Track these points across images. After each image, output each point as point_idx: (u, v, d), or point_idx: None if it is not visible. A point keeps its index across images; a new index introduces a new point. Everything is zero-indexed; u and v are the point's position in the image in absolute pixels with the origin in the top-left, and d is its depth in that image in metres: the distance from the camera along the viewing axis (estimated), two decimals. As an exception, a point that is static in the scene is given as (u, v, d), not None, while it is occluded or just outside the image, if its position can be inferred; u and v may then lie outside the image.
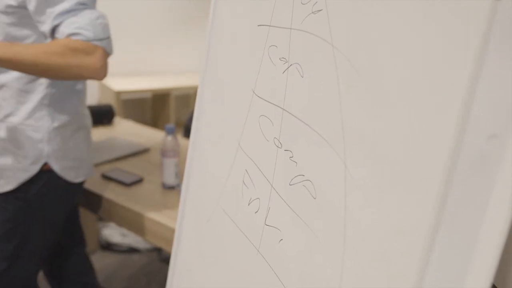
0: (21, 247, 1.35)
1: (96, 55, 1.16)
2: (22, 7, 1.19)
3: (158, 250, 2.58)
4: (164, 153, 1.59)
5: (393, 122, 0.52)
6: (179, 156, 1.60)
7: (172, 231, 1.35)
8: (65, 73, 1.17)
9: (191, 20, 3.75)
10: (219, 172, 0.88)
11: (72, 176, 1.38)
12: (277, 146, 0.71)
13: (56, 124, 1.31)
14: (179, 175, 1.61)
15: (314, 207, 0.63)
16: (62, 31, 1.16)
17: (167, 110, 3.56)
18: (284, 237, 0.69)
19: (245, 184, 0.80)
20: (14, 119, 1.29)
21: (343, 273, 0.58)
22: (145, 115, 3.86)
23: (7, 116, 1.29)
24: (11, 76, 1.26)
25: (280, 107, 0.71)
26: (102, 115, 2.33)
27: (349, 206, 0.57)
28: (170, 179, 1.59)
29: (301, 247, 0.65)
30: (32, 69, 1.15)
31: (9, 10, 1.20)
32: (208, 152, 0.92)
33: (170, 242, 1.08)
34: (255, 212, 0.76)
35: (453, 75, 0.46)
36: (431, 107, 0.48)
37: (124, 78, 3.49)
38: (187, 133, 2.95)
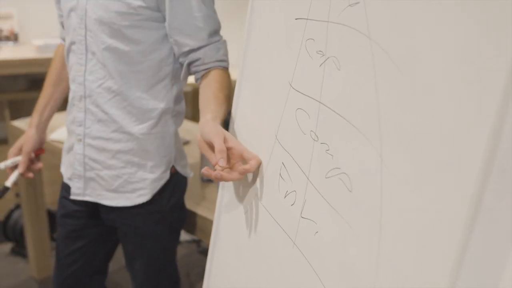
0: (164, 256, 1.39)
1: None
2: (151, 9, 1.15)
3: (197, 242, 2.62)
4: (203, 147, 1.61)
5: (431, 114, 0.51)
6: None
7: (210, 223, 1.37)
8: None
9: (229, 14, 3.77)
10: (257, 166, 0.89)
11: (188, 172, 1.38)
12: (314, 139, 0.72)
13: (177, 124, 1.31)
14: (218, 168, 1.63)
15: (350, 200, 0.63)
16: (210, 56, 1.16)
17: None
18: (320, 229, 0.70)
19: (281, 177, 0.80)
20: (141, 130, 1.25)
21: (379, 265, 0.58)
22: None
23: (132, 127, 1.24)
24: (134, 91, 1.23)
25: (317, 100, 0.71)
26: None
27: (385, 198, 0.57)
28: (209, 172, 1.62)
29: (336, 240, 0.66)
30: None
31: (131, 11, 1.15)
32: (245, 145, 0.93)
33: (208, 234, 1.10)
34: (291, 205, 0.76)
35: (494, 66, 0.45)
36: (471, 99, 0.47)
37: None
38: (225, 126, 2.98)
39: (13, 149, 1.42)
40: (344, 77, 0.65)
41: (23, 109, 3.08)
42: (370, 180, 0.59)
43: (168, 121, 1.27)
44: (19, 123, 2.20)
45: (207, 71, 1.17)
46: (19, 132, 2.16)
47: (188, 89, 3.82)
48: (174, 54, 1.21)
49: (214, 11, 1.18)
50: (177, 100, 1.27)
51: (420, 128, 0.53)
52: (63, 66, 1.40)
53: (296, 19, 0.78)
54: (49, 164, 2.39)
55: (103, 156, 1.26)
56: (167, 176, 1.30)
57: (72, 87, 1.26)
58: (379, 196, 0.57)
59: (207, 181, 1.64)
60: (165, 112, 1.25)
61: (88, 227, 1.40)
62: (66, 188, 1.37)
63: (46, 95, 1.47)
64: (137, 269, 1.40)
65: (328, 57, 0.69)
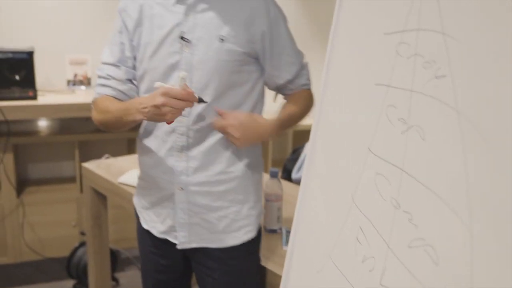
0: None
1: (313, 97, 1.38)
2: (251, 56, 1.27)
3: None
4: (267, 196, 1.62)
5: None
6: (282, 200, 1.63)
7: (275, 276, 1.37)
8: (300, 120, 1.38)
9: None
10: (331, 225, 0.89)
11: None
12: (395, 207, 0.71)
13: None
14: (281, 218, 1.63)
15: (435, 273, 0.62)
16: (297, 83, 1.34)
17: (265, 147, 3.64)
18: (401, 299, 0.68)
19: (358, 241, 0.80)
20: (243, 167, 1.30)
21: None
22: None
23: (235, 166, 1.29)
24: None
25: (399, 168, 0.72)
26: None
27: (476, 276, 0.56)
28: (272, 223, 1.62)
29: (420, 313, 0.64)
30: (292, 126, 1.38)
31: (237, 58, 1.24)
32: (319, 203, 0.94)
33: (275, 286, 1.10)
34: (370, 271, 0.76)
35: None
36: None
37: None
38: (284, 173, 2.98)
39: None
40: (429, 148, 0.65)
41: (91, 149, 3.23)
42: (459, 255, 0.58)
43: (259, 152, 1.37)
44: (89, 165, 2.31)
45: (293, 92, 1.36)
46: (89, 173, 2.26)
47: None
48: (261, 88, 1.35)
49: (298, 48, 1.34)
50: None
51: (512, 206, 0.52)
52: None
53: (376, 84, 0.80)
54: (113, 204, 2.48)
55: (208, 200, 1.28)
56: (263, 210, 1.34)
57: (170, 138, 1.27)
58: (470, 273, 0.56)
59: (270, 231, 1.64)
60: (258, 146, 1.35)
61: (177, 274, 1.42)
62: (154, 243, 1.37)
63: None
64: None
65: (412, 126, 0.70)
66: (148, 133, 1.34)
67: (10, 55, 2.77)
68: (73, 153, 3.10)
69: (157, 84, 1.18)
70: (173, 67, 1.24)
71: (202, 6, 1.23)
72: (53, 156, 3.32)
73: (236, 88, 1.27)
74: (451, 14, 0.64)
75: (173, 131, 1.27)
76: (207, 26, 1.22)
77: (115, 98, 1.32)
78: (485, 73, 0.57)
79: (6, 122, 2.72)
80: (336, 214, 0.88)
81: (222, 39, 1.22)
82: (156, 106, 1.12)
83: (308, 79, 1.37)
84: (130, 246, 3.11)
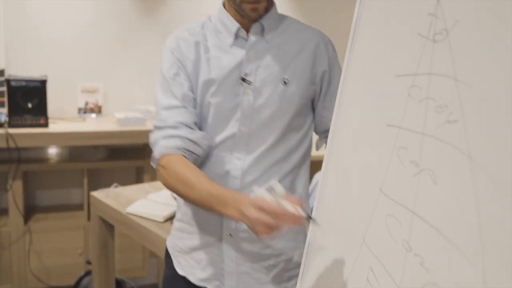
0: None
1: None
2: (309, 98, 1.22)
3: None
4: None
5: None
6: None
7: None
8: None
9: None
10: (341, 264, 0.89)
11: None
12: (406, 249, 0.71)
13: None
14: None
15: (448, 320, 0.61)
16: None
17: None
18: None
19: (369, 282, 0.80)
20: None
21: None
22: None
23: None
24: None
25: (410, 210, 0.72)
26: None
27: (489, 325, 0.55)
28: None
29: None
30: None
31: (302, 101, 1.20)
32: (329, 239, 0.93)
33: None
34: (381, 313, 0.75)
35: None
36: None
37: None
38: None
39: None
40: (441, 193, 0.66)
41: (100, 177, 3.24)
42: (472, 303, 0.58)
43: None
44: (97, 194, 2.32)
45: None
46: (97, 202, 2.27)
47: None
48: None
49: None
50: None
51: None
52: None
53: (387, 125, 0.81)
54: (120, 232, 2.48)
55: (257, 247, 1.20)
56: None
57: (223, 181, 1.18)
58: (483, 322, 0.56)
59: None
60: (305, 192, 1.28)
61: None
62: None
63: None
64: None
65: (423, 169, 0.70)
66: None
67: (24, 84, 2.82)
68: (82, 181, 3.11)
69: (258, 191, 0.96)
70: (233, 109, 1.18)
71: (263, 45, 1.19)
72: (62, 183, 3.33)
73: (293, 132, 1.21)
74: (463, 59, 0.65)
75: (227, 174, 1.19)
76: (270, 68, 1.17)
77: (188, 152, 1.16)
78: (498, 120, 0.58)
79: (17, 149, 2.75)
80: (346, 252, 0.87)
81: (285, 82, 1.17)
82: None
83: None
84: (135, 275, 3.08)
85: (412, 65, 0.76)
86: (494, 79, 0.60)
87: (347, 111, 0.96)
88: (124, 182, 2.72)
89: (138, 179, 3.28)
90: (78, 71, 3.30)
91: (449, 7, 0.69)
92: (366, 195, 0.84)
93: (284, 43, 1.21)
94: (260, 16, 1.17)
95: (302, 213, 0.89)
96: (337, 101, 1.01)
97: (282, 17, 1.25)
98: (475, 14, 0.64)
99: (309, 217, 0.92)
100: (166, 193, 2.18)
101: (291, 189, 1.22)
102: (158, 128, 1.20)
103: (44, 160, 3.14)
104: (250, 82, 1.17)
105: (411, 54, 0.76)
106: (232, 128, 1.19)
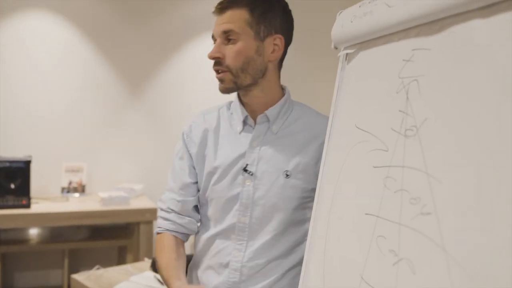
0: None
1: None
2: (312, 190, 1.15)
3: None
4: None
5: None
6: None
7: None
8: None
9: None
10: None
11: None
12: None
13: None
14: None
15: None
16: None
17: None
18: None
19: None
20: None
21: None
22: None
23: None
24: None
25: (391, 300, 0.73)
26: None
27: None
28: None
29: None
30: None
31: (305, 195, 1.18)
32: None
33: None
34: None
35: None
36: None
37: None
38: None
39: None
40: (419, 282, 0.68)
41: (82, 258, 3.18)
42: None
43: None
44: (78, 276, 2.27)
45: None
46: (79, 285, 2.22)
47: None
48: None
49: None
50: None
51: None
52: (177, 254, 1.22)
53: (366, 214, 0.84)
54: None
55: None
56: None
57: (225, 271, 1.19)
58: None
59: None
60: None
61: None
62: None
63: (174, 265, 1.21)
64: None
65: (402, 258, 0.72)
66: (200, 261, 1.26)
67: (8, 164, 2.83)
68: (62, 262, 3.05)
69: None
70: (233, 199, 1.18)
71: (269, 136, 1.19)
72: (41, 264, 3.26)
73: (297, 226, 1.19)
74: (433, 155, 0.70)
75: (227, 265, 1.18)
76: (273, 160, 1.17)
77: (178, 233, 1.25)
78: (468, 213, 0.62)
79: (-3, 230, 2.71)
80: None
81: (287, 175, 1.16)
82: None
83: None
84: None
85: (387, 158, 0.80)
86: (463, 174, 0.64)
87: (329, 196, 0.99)
88: (107, 262, 2.68)
89: (121, 259, 3.22)
90: (62, 150, 3.33)
91: (418, 105, 0.75)
92: (348, 283, 0.85)
93: (294, 133, 1.20)
94: (230, 90, 1.18)
95: None
96: (318, 187, 1.04)
97: (295, 105, 1.24)
98: (442, 113, 0.70)
99: None
100: (149, 274, 2.15)
101: (293, 286, 1.17)
102: (160, 205, 1.30)
103: (24, 241, 3.08)
104: (251, 172, 1.17)
105: (386, 147, 0.81)
106: (232, 218, 1.18)
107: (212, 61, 1.17)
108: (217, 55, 1.14)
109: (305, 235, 1.14)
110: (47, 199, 3.11)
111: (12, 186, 2.83)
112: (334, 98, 1.03)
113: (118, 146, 3.48)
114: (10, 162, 2.84)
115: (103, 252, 3.30)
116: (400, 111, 0.79)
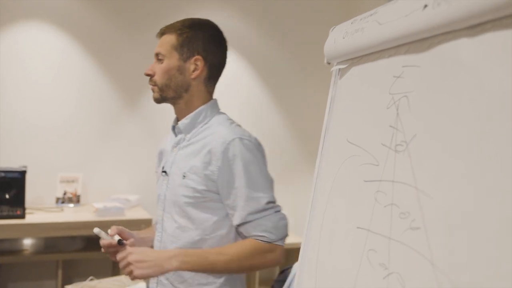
0: None
1: (277, 253, 1.29)
2: (213, 192, 1.31)
3: None
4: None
5: None
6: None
7: None
8: (248, 271, 1.32)
9: (279, 180, 3.96)
10: None
11: None
12: None
13: None
14: None
15: None
16: (249, 231, 1.29)
17: (252, 268, 3.59)
18: None
19: None
20: None
21: None
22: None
23: None
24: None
25: (381, 313, 0.74)
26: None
27: None
28: None
29: None
30: (224, 272, 1.30)
31: (205, 195, 1.32)
32: None
33: None
34: None
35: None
36: None
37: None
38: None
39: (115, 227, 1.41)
40: (409, 296, 0.69)
41: (76, 269, 3.17)
42: None
43: None
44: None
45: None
46: (73, 297, 2.21)
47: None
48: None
49: (259, 193, 1.29)
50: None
51: None
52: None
53: (357, 227, 0.85)
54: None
55: None
56: None
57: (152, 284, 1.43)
58: None
59: None
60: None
61: None
62: None
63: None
64: None
65: (392, 272, 0.73)
66: None
67: (3, 174, 2.83)
68: (56, 273, 3.04)
69: (95, 230, 1.35)
70: (159, 196, 1.44)
71: (184, 143, 1.41)
72: (35, 275, 3.24)
73: (195, 223, 1.33)
74: (422, 170, 0.71)
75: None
76: (180, 163, 1.37)
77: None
78: (457, 230, 0.63)
79: (-9, 241, 2.70)
80: None
81: (184, 176, 1.34)
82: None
83: (266, 231, 1.28)
84: None
85: (378, 172, 0.82)
86: (452, 189, 0.65)
87: (321, 210, 1.00)
88: (101, 273, 2.67)
89: (115, 270, 3.21)
90: (58, 161, 3.33)
91: (407, 121, 0.77)
92: (340, 296, 0.86)
93: (199, 140, 1.37)
94: (159, 101, 1.42)
95: (116, 239, 1.30)
96: (311, 200, 1.05)
97: (215, 117, 1.41)
98: (431, 129, 0.71)
99: (119, 241, 1.32)
100: (143, 285, 2.15)
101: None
102: None
103: (18, 251, 3.07)
104: (166, 173, 1.40)
105: (377, 161, 0.82)
106: (158, 211, 1.44)
107: None
108: (149, 72, 1.40)
109: (206, 233, 1.32)
110: (42, 209, 3.10)
111: (7, 196, 2.83)
112: (327, 112, 1.04)
113: (114, 157, 3.48)
114: (5, 172, 2.84)
115: (97, 263, 3.29)
116: (390, 126, 0.81)
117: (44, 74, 3.31)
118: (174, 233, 1.36)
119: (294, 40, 3.96)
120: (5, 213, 2.80)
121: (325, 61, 1.07)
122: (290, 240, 3.95)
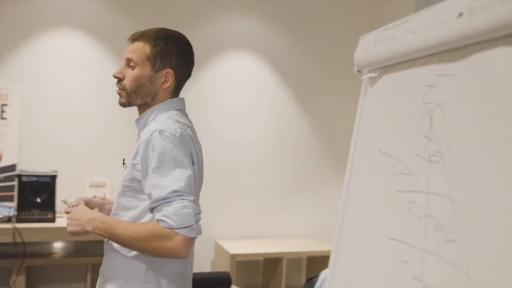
0: None
1: (176, 240, 1.29)
2: (138, 181, 1.39)
3: None
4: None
5: None
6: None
7: None
8: (150, 254, 1.35)
9: (307, 187, 3.94)
10: None
11: None
12: None
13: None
14: None
15: None
16: (154, 215, 1.35)
17: (279, 274, 3.58)
18: None
19: None
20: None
21: None
22: (256, 277, 3.90)
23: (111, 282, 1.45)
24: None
25: (415, 327, 0.73)
26: (218, 283, 2.42)
27: None
28: None
29: None
30: (128, 247, 1.37)
31: (132, 184, 1.40)
32: None
33: None
34: None
35: None
36: None
37: (239, 241, 3.63)
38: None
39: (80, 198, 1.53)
40: (444, 311, 0.67)
41: (104, 273, 3.20)
42: None
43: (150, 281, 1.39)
44: (102, 291, 2.28)
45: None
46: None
47: (259, 258, 3.85)
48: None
49: (167, 181, 1.32)
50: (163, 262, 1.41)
51: None
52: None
53: (390, 238, 0.84)
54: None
55: None
56: None
57: None
58: None
59: None
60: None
61: None
62: None
63: None
64: None
65: (427, 285, 0.72)
66: None
67: (34, 179, 2.88)
68: (85, 276, 3.08)
69: (62, 198, 1.53)
70: None
71: (135, 143, 1.48)
72: (65, 278, 3.29)
73: (124, 210, 1.42)
74: (458, 181, 0.70)
75: None
76: (129, 155, 1.46)
77: None
78: (495, 242, 0.61)
79: (23, 243, 2.76)
80: None
81: (124, 165, 1.46)
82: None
83: (166, 216, 1.30)
84: None
85: (411, 183, 0.80)
86: (488, 201, 0.64)
87: (352, 219, 1.00)
88: (128, 278, 2.69)
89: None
90: (87, 166, 3.38)
91: (442, 131, 0.75)
92: (371, 307, 0.85)
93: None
94: (124, 105, 1.50)
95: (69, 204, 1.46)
96: (341, 207, 1.05)
97: (161, 114, 1.45)
98: (467, 140, 0.70)
99: (64, 201, 1.50)
100: None
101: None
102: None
103: (48, 254, 3.12)
104: (125, 165, 1.47)
105: (409, 171, 0.81)
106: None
107: None
108: (119, 75, 1.46)
109: (133, 221, 1.39)
110: (72, 213, 3.15)
111: (38, 200, 2.88)
112: (357, 121, 1.03)
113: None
114: (37, 176, 2.90)
115: (126, 267, 3.32)
116: (423, 136, 0.79)
117: (76, 82, 3.37)
118: (118, 210, 1.44)
119: (322, 48, 3.95)
120: (36, 217, 2.86)
121: (355, 69, 1.07)
122: (316, 248, 3.95)
